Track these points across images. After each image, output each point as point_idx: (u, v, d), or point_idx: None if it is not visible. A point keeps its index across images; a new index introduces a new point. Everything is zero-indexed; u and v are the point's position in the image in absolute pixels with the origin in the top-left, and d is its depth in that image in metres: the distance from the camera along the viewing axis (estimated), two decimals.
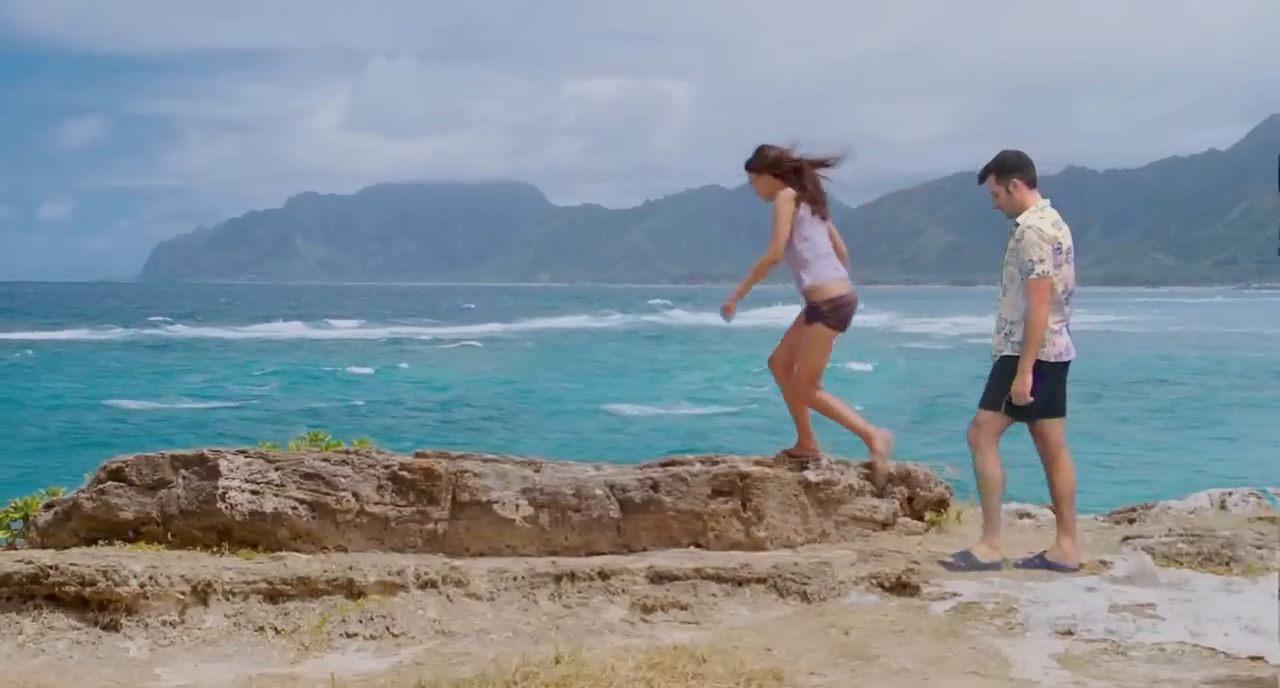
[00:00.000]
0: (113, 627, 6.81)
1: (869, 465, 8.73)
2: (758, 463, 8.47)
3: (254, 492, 7.71)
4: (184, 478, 7.82)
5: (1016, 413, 8.10)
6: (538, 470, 8.22)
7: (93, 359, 67.84)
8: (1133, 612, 6.84)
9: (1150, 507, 9.68)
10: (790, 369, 8.72)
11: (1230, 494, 9.70)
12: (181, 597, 6.91)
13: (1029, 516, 9.78)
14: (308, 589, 7.08)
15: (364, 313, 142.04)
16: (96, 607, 6.87)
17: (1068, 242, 8.06)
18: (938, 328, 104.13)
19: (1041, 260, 7.87)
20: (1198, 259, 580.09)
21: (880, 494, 8.73)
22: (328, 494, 7.74)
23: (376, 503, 7.81)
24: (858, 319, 8.84)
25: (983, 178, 8.31)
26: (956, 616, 6.95)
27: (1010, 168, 8.17)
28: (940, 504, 8.96)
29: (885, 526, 8.62)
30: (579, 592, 7.27)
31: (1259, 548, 8.01)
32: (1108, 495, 21.60)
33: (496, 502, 7.86)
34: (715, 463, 8.46)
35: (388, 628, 6.84)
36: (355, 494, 7.78)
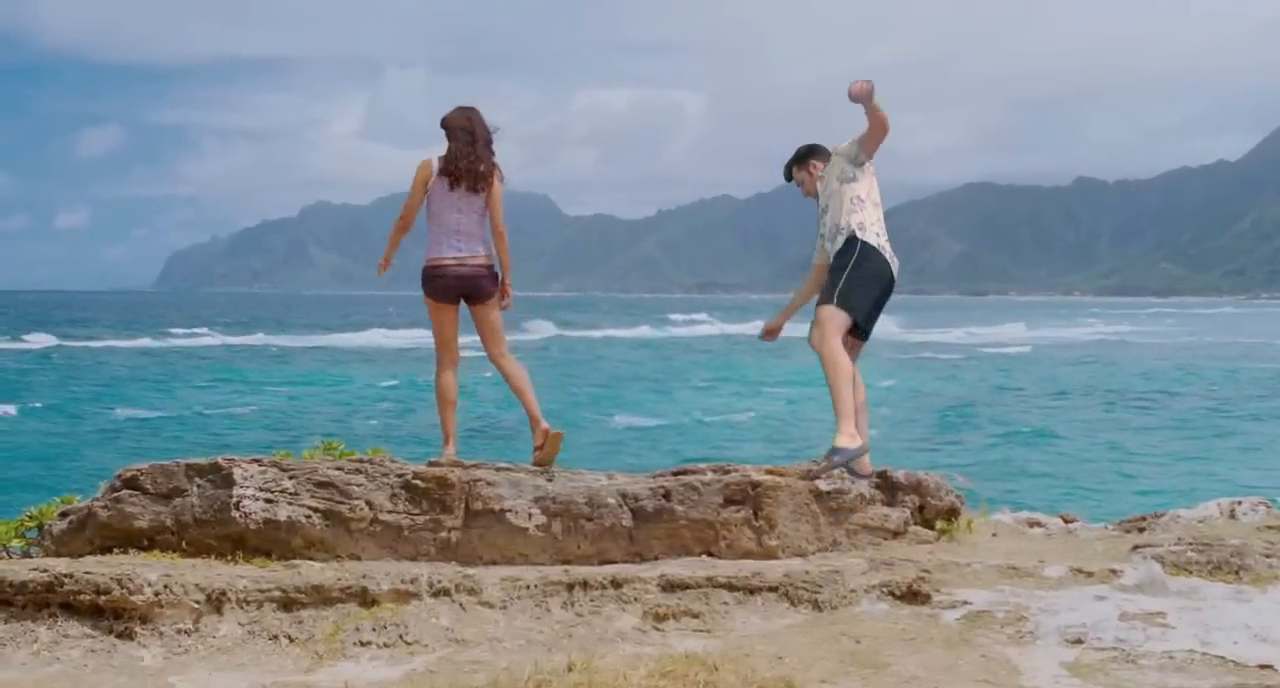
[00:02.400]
0: (127, 635, 6.84)
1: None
2: (769, 472, 8.49)
3: (268, 500, 7.74)
4: (198, 487, 7.84)
5: (852, 310, 8.59)
6: (550, 479, 8.24)
7: (166, 366, 68.38)
8: (1143, 620, 6.85)
9: (1160, 516, 9.67)
10: (501, 358, 8.98)
11: (1239, 503, 9.69)
12: (196, 605, 6.94)
13: (1038, 524, 9.79)
14: (321, 598, 7.11)
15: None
16: (111, 615, 6.90)
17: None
18: (949, 338, 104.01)
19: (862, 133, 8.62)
20: (1207, 269, 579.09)
21: (891, 503, 8.75)
22: (341, 503, 7.77)
23: (390, 512, 7.84)
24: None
25: (789, 176, 9.18)
26: (967, 624, 6.97)
27: (806, 155, 9.06)
28: (951, 513, 8.96)
29: (896, 534, 8.63)
30: (591, 600, 7.29)
31: (1268, 557, 8.01)
32: (1117, 505, 21.60)
33: (509, 510, 7.89)
34: (727, 472, 8.48)
35: (401, 636, 6.87)
36: (369, 503, 7.81)
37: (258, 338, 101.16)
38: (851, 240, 8.65)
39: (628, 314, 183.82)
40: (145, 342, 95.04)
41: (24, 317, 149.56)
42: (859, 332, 8.82)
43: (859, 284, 8.58)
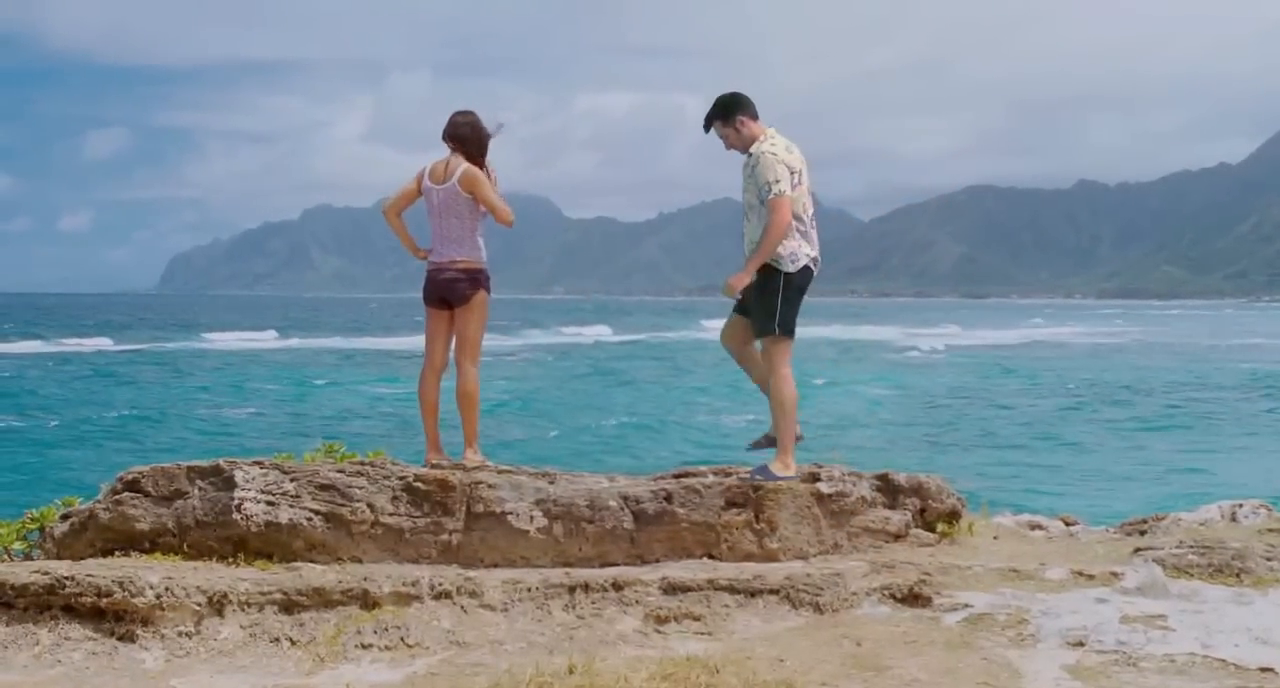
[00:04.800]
0: (129, 638, 6.83)
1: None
2: None
3: (269, 503, 7.74)
4: (200, 489, 7.84)
5: (792, 332, 8.60)
6: (552, 482, 8.24)
7: (242, 368, 69.05)
8: (1144, 623, 6.86)
9: (1161, 519, 9.68)
10: (463, 367, 8.93)
11: (1240, 506, 9.70)
12: (197, 608, 6.94)
13: (1040, 527, 9.80)
14: (323, 600, 7.11)
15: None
16: (113, 618, 6.89)
17: (800, 165, 8.54)
18: (950, 340, 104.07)
19: (778, 180, 8.36)
20: (1209, 272, 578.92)
21: (892, 506, 8.75)
22: (343, 505, 7.77)
23: (391, 514, 7.84)
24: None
25: (708, 126, 8.76)
26: (968, 627, 6.97)
27: (733, 108, 8.64)
28: (952, 516, 8.97)
29: (897, 537, 8.64)
30: (592, 603, 7.30)
31: (1269, 560, 8.02)
32: (1118, 507, 21.57)
33: (511, 513, 7.89)
34: (728, 474, 8.49)
35: (402, 639, 6.87)
36: (370, 505, 7.81)
37: (324, 341, 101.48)
38: (774, 271, 8.51)
39: (662, 317, 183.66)
40: (202, 344, 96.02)
41: (54, 321, 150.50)
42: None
43: (791, 306, 8.56)
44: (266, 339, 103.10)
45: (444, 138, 8.80)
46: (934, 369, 71.51)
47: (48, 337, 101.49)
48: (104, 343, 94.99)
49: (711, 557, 8.06)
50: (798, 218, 8.51)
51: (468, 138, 8.77)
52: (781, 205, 8.34)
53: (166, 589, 6.91)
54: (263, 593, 7.09)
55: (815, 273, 8.70)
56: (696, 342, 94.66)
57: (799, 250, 8.53)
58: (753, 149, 8.57)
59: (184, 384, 59.15)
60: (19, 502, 8.84)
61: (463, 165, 8.68)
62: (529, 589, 7.32)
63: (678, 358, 77.84)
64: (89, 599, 6.87)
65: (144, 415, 44.28)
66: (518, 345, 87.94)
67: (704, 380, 58.70)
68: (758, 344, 8.74)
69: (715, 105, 8.70)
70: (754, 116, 8.65)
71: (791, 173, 8.45)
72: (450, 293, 8.79)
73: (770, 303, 8.51)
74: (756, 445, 8.91)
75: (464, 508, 7.90)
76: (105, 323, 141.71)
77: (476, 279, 8.81)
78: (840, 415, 42.38)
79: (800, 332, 8.72)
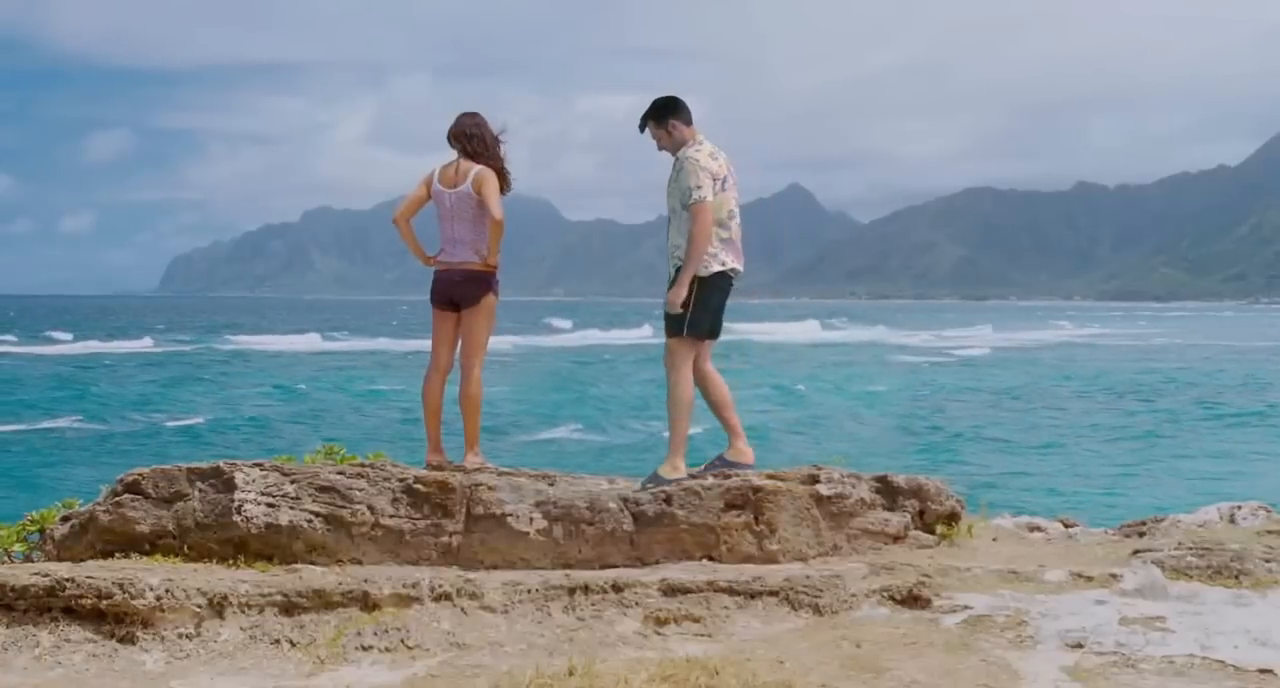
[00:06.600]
0: (129, 640, 6.84)
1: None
2: (770, 477, 8.49)
3: (269, 505, 7.75)
4: (200, 491, 7.85)
5: (702, 336, 8.67)
6: (552, 484, 8.25)
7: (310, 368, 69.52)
8: (1143, 625, 6.86)
9: (1160, 520, 9.67)
10: (468, 369, 8.91)
11: (1239, 508, 9.69)
12: (197, 610, 6.95)
13: (1039, 529, 9.80)
14: (323, 602, 7.11)
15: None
16: (113, 620, 6.90)
17: (724, 171, 8.61)
18: (949, 342, 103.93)
19: (699, 186, 8.42)
20: (1207, 274, 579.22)
21: (892, 508, 8.76)
22: (343, 507, 7.78)
23: (391, 516, 7.84)
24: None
25: (643, 127, 8.84)
26: (967, 628, 6.97)
27: (666, 111, 8.72)
28: (951, 518, 8.96)
29: (897, 539, 8.64)
30: (592, 604, 7.30)
31: (1268, 561, 8.02)
32: (1118, 508, 21.58)
33: (511, 515, 7.89)
34: (728, 477, 8.49)
35: (402, 641, 6.88)
36: (370, 507, 7.82)
37: (370, 342, 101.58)
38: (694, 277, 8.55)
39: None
40: (249, 346, 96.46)
41: (79, 322, 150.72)
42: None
43: (705, 312, 8.60)
44: (310, 342, 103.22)
45: (449, 138, 8.81)
46: (932, 370, 71.45)
47: (79, 338, 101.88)
48: (146, 344, 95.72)
49: (711, 559, 8.06)
50: (720, 224, 8.55)
51: (474, 138, 8.78)
52: (703, 211, 8.40)
53: (167, 591, 6.92)
54: (263, 595, 7.09)
55: (735, 283, 8.76)
56: (735, 343, 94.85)
57: (715, 256, 8.57)
58: (679, 153, 8.63)
59: (239, 387, 59.51)
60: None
61: (475, 168, 8.68)
62: (529, 591, 7.32)
63: (733, 357, 77.65)
64: (89, 601, 6.88)
65: (213, 416, 44.66)
66: (572, 347, 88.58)
67: (755, 380, 58.75)
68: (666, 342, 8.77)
69: (650, 107, 8.79)
70: (687, 122, 8.72)
71: (714, 180, 8.50)
72: (459, 295, 8.79)
73: (684, 304, 8.57)
74: (710, 467, 8.87)
75: (464, 510, 7.91)
76: (136, 324, 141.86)
77: (486, 281, 8.80)
78: (867, 418, 42.22)
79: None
